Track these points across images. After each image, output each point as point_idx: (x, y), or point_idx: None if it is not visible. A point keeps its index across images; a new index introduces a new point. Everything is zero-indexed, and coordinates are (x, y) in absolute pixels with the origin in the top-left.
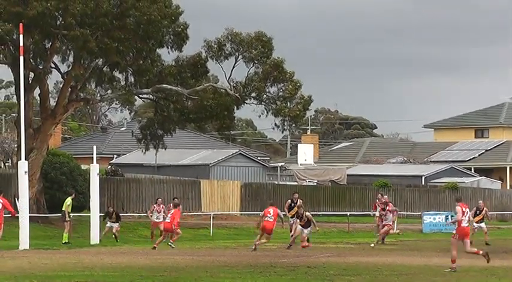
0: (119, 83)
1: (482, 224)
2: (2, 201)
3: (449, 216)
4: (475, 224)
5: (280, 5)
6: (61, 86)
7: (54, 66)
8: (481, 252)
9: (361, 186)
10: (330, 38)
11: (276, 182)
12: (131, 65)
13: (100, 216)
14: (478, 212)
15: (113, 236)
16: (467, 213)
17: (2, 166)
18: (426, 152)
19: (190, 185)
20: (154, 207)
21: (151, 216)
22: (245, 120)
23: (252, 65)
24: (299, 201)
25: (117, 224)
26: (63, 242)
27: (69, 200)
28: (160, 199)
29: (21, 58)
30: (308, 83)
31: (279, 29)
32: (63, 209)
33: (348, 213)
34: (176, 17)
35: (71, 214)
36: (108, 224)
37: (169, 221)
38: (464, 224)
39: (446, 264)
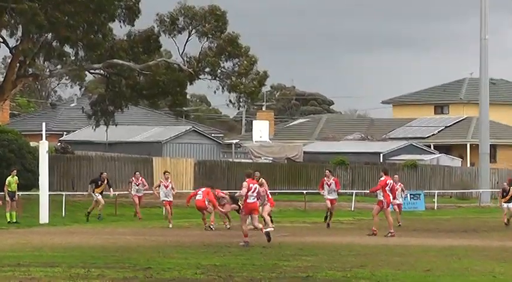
0: (69, 58)
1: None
2: None
3: (408, 195)
4: (503, 204)
5: None
6: (9, 61)
7: (2, 41)
8: (264, 230)
9: (318, 163)
10: (286, 12)
11: (231, 160)
12: (82, 40)
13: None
14: (504, 193)
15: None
16: (255, 189)
17: None
18: (384, 128)
19: (142, 163)
20: (132, 180)
21: (130, 190)
22: (199, 96)
23: (205, 40)
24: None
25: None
26: (8, 221)
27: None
28: (138, 172)
29: None
30: (263, 58)
31: (233, 3)
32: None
33: (305, 191)
34: None
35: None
36: (98, 196)
37: (201, 198)
38: (251, 200)
39: (404, 244)
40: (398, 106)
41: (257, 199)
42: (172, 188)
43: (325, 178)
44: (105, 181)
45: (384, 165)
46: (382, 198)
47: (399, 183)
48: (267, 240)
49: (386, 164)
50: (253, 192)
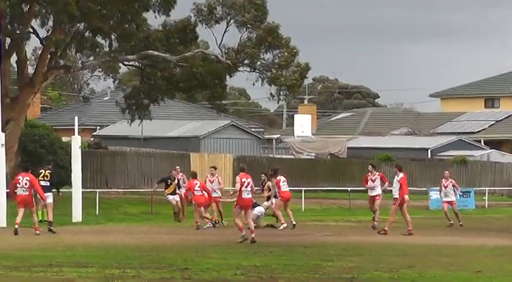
0: (101, 49)
1: None
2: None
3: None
4: None
5: None
6: (40, 52)
7: (32, 31)
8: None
9: (362, 159)
10: (329, 2)
11: (271, 155)
12: (115, 30)
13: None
14: None
15: (174, 214)
16: (248, 183)
17: None
18: (432, 123)
19: (179, 159)
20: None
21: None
22: (238, 89)
23: (244, 30)
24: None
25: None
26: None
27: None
28: (178, 166)
29: None
30: (305, 49)
31: None
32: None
33: (349, 188)
34: None
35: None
36: (169, 197)
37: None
38: (245, 195)
39: (454, 244)
40: (446, 99)
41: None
42: (218, 182)
43: (369, 173)
44: (175, 180)
45: (397, 160)
46: (397, 195)
47: (450, 180)
48: (251, 241)
49: (400, 160)
50: (246, 187)
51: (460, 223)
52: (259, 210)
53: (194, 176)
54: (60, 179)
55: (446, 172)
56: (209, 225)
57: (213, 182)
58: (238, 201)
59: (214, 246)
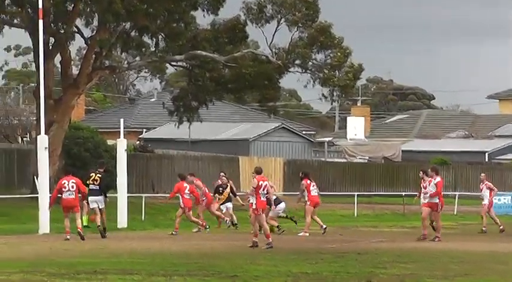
0: (148, 49)
1: None
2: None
3: None
4: None
5: None
6: (84, 52)
7: (76, 31)
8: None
9: (417, 163)
10: (382, 1)
11: (323, 159)
12: (162, 29)
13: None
14: None
15: (228, 222)
16: (265, 186)
17: (20, 141)
18: (490, 125)
19: (227, 162)
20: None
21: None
22: (288, 90)
23: (295, 29)
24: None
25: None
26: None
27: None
28: (223, 173)
29: (41, 22)
30: (358, 49)
31: None
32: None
33: (403, 193)
34: None
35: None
36: (223, 207)
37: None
38: (263, 198)
39: (511, 251)
40: (505, 101)
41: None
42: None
43: (422, 180)
44: (228, 187)
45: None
46: (437, 200)
47: (485, 182)
48: (251, 246)
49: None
50: (263, 190)
51: (501, 227)
52: (282, 207)
53: (183, 178)
54: (105, 183)
55: (482, 174)
56: (196, 230)
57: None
58: (258, 205)
59: (263, 253)
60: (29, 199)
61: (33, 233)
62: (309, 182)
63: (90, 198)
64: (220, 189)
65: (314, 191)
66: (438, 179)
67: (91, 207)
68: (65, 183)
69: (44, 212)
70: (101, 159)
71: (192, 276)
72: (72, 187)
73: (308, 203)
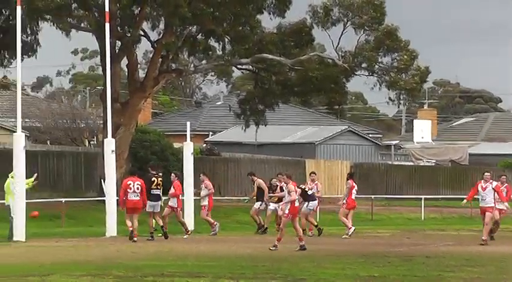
0: (214, 52)
1: None
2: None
3: None
4: None
5: None
6: (151, 55)
7: (143, 34)
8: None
9: (484, 166)
10: (448, 2)
11: (390, 162)
12: (228, 33)
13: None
14: None
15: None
16: (296, 191)
17: (87, 144)
18: None
19: (294, 165)
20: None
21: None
22: (354, 93)
23: (362, 32)
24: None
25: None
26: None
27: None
28: (281, 174)
29: (107, 25)
30: (425, 52)
31: None
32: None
33: None
34: None
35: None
36: (271, 205)
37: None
38: (297, 203)
39: None
40: None
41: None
42: (317, 189)
43: (482, 181)
44: (278, 188)
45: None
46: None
47: (505, 184)
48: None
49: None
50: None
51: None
52: (314, 204)
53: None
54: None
55: (503, 176)
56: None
57: (311, 188)
58: (291, 210)
59: (330, 256)
60: (95, 202)
61: (100, 235)
62: (354, 184)
63: (150, 203)
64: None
65: (354, 194)
66: (495, 183)
67: (147, 210)
68: (130, 184)
69: (111, 215)
70: (151, 162)
71: (259, 279)
72: (138, 188)
73: (345, 205)
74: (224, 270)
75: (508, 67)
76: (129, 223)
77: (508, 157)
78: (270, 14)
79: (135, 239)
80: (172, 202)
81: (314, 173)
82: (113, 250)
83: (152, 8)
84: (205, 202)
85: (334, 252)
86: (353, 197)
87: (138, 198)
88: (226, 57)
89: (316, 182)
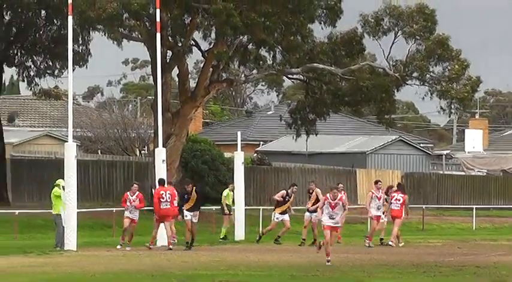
0: (265, 62)
1: None
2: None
3: None
4: None
5: None
6: (202, 65)
7: (194, 44)
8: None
9: None
10: (499, 9)
11: (441, 172)
12: (279, 42)
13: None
14: None
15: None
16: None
17: (138, 154)
18: None
19: (345, 175)
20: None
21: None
22: (405, 102)
23: (413, 42)
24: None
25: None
26: (221, 237)
27: (226, 192)
28: (341, 184)
29: (158, 35)
30: (476, 62)
31: (441, 1)
32: (221, 201)
33: None
34: None
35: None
36: (310, 215)
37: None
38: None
39: None
40: None
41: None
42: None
43: None
44: (313, 193)
45: None
46: None
47: None
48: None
49: None
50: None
51: None
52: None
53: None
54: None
55: None
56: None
57: (380, 198)
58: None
59: (381, 266)
60: (146, 211)
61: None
62: (393, 194)
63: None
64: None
65: (393, 204)
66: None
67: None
68: (162, 193)
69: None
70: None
71: None
72: (169, 198)
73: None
74: (275, 279)
75: None
76: (155, 234)
77: None
78: (321, 23)
79: (171, 247)
80: (134, 214)
81: (380, 181)
82: (164, 259)
83: (203, 17)
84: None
85: (385, 262)
86: (393, 207)
87: (169, 207)
88: (277, 66)
89: (380, 189)
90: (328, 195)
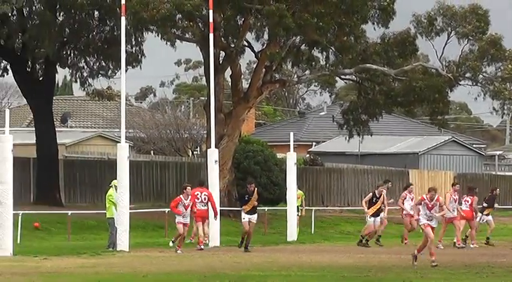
0: (318, 62)
1: None
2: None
3: None
4: None
5: None
6: (254, 66)
7: (247, 45)
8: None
9: None
10: None
11: (494, 173)
12: (332, 43)
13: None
14: None
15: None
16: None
17: (190, 155)
18: None
19: (397, 176)
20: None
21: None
22: (458, 103)
23: (466, 42)
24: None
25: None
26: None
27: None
28: (381, 183)
29: (211, 36)
30: None
31: (495, 1)
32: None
33: None
34: None
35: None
36: (372, 219)
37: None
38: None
39: None
40: None
41: None
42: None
43: None
44: (381, 197)
45: None
46: None
47: None
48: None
49: None
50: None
51: None
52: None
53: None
54: (275, 196)
55: None
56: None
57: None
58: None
59: (433, 267)
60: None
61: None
62: (463, 196)
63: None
64: (374, 199)
65: (464, 205)
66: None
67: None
68: (197, 194)
69: (214, 225)
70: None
71: None
72: (205, 199)
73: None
74: (327, 280)
75: None
76: (198, 231)
77: None
78: (374, 24)
79: (202, 246)
80: (187, 218)
81: (457, 183)
82: (216, 260)
83: (256, 18)
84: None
85: (438, 263)
86: (463, 208)
87: (205, 207)
88: (330, 67)
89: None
90: (424, 195)
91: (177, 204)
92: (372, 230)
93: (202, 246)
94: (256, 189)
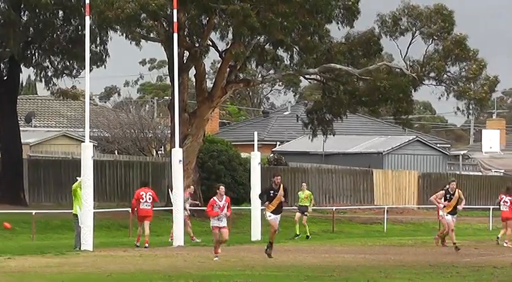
0: (282, 62)
1: None
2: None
3: None
4: None
5: None
6: (219, 65)
7: (211, 44)
8: None
9: None
10: None
11: (458, 172)
12: (296, 43)
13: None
14: None
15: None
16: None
17: (155, 154)
18: None
19: (361, 175)
20: None
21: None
22: (422, 102)
23: (430, 42)
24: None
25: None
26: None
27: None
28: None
29: (176, 35)
30: (493, 61)
31: (459, 2)
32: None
33: None
34: None
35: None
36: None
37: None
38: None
39: None
40: None
41: None
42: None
43: None
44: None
45: None
46: None
47: None
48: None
49: None
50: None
51: None
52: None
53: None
54: (239, 196)
55: None
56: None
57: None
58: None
59: (398, 266)
60: (163, 212)
61: (167, 245)
62: (502, 196)
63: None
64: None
65: (502, 206)
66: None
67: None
68: (142, 194)
69: (178, 224)
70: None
71: None
72: (149, 199)
73: None
74: (291, 280)
75: None
76: (139, 231)
77: None
78: (338, 23)
79: (146, 245)
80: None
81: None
82: (181, 260)
83: (221, 18)
84: None
85: (402, 263)
86: (502, 208)
87: (149, 207)
88: (294, 67)
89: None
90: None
91: (213, 207)
92: (450, 228)
93: (146, 245)
94: (282, 184)
